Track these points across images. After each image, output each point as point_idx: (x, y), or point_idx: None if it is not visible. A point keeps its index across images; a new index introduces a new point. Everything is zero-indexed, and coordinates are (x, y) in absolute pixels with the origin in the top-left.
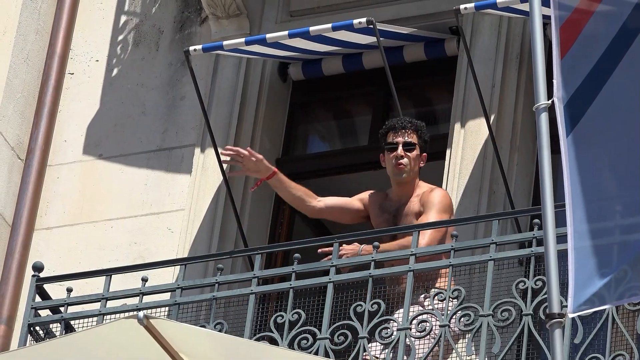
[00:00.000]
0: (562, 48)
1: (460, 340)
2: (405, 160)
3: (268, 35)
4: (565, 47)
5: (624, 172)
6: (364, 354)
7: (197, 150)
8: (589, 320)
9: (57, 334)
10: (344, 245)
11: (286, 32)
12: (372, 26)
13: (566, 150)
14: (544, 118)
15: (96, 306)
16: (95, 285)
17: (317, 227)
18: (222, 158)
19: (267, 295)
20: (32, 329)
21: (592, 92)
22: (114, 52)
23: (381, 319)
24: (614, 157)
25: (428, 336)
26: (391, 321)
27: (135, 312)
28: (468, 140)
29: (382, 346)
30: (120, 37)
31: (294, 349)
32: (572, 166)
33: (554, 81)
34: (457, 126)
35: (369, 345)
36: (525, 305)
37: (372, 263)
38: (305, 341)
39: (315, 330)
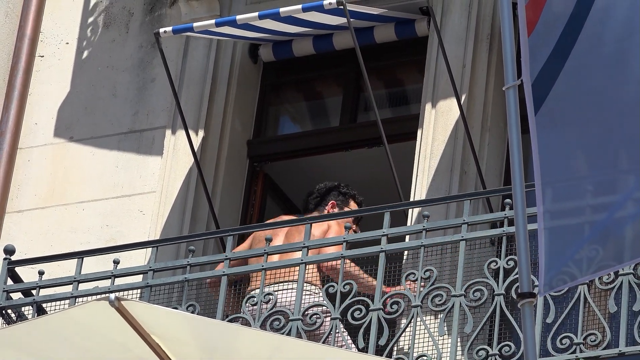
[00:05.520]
0: (529, 27)
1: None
2: None
3: (238, 17)
4: (531, 25)
5: (593, 150)
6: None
7: (168, 132)
8: (561, 299)
9: (29, 316)
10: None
11: (256, 14)
12: (342, 7)
13: (535, 130)
14: (513, 98)
15: (68, 289)
16: (67, 268)
17: (288, 209)
18: None
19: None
20: (3, 312)
21: (555, 69)
22: (84, 35)
23: (353, 300)
24: (582, 135)
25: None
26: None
27: (107, 294)
28: (439, 121)
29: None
30: (91, 20)
31: (266, 330)
32: (542, 146)
33: (522, 61)
34: (428, 106)
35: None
36: (497, 285)
37: (344, 244)
38: (277, 322)
39: (288, 311)
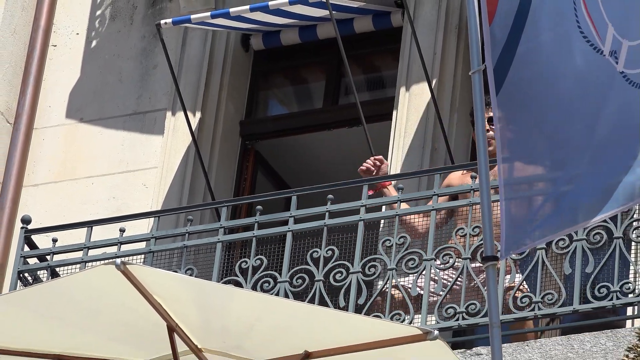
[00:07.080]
0: (489, 15)
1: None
2: (490, 134)
3: (231, 10)
4: (491, 14)
5: (549, 131)
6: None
7: (169, 114)
8: (522, 263)
9: (44, 279)
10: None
11: (247, 7)
12: (325, 0)
13: (496, 110)
14: (478, 82)
15: (79, 254)
16: (77, 236)
17: (277, 182)
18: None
19: (232, 244)
20: (21, 275)
21: (510, 55)
22: (92, 26)
23: (335, 264)
24: (538, 117)
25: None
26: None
27: (113, 259)
28: (412, 103)
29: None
30: (99, 12)
31: (256, 291)
32: (502, 125)
33: (485, 47)
34: (402, 90)
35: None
36: (464, 250)
37: (327, 213)
38: (267, 284)
39: (276, 274)
